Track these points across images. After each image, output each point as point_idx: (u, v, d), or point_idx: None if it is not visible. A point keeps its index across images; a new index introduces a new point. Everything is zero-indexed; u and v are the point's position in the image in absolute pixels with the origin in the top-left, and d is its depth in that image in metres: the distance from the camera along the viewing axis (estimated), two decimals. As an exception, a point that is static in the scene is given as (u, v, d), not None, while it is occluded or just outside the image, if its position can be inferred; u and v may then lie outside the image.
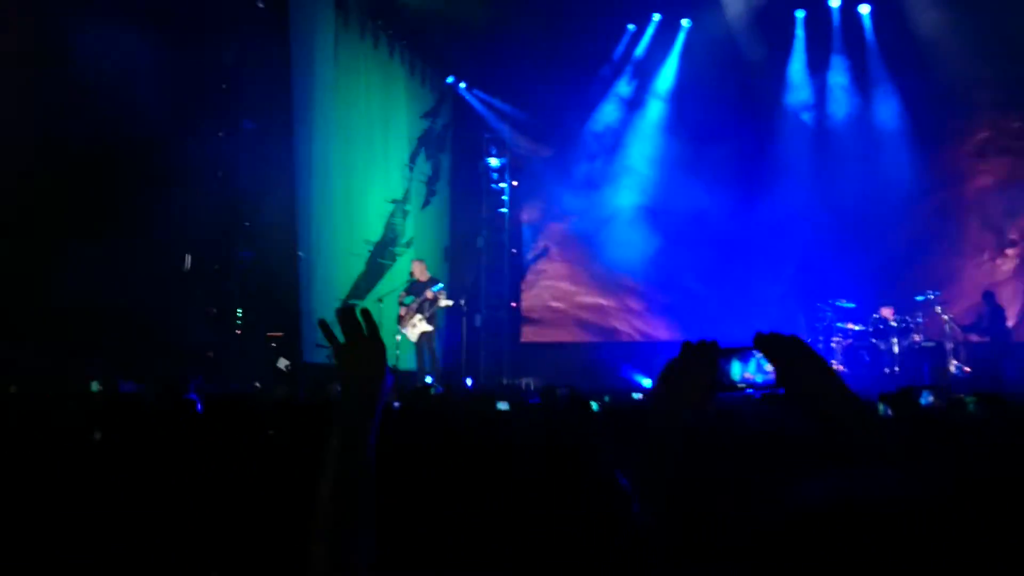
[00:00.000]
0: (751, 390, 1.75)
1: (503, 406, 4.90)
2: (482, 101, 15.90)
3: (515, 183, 16.24)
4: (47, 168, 8.89)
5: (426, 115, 15.29)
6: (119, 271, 9.35)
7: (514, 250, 16.13)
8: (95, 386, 5.02)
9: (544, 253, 15.99)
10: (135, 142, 9.38)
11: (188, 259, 10.54)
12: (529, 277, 16.19)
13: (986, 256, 13.58)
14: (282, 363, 5.74)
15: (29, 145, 8.75)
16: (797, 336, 1.68)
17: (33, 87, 9.02)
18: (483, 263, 16.01)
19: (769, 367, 1.71)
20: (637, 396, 7.61)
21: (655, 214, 14.89)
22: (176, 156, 10.02)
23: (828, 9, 14.11)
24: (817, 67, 14.37)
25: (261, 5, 11.30)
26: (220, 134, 10.86)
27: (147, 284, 9.80)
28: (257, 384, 9.54)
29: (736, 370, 1.78)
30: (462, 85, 15.84)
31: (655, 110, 15.28)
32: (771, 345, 1.69)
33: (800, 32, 14.36)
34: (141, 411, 4.64)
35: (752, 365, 1.75)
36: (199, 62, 10.58)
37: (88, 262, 9.01)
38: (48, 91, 9.10)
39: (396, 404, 5.67)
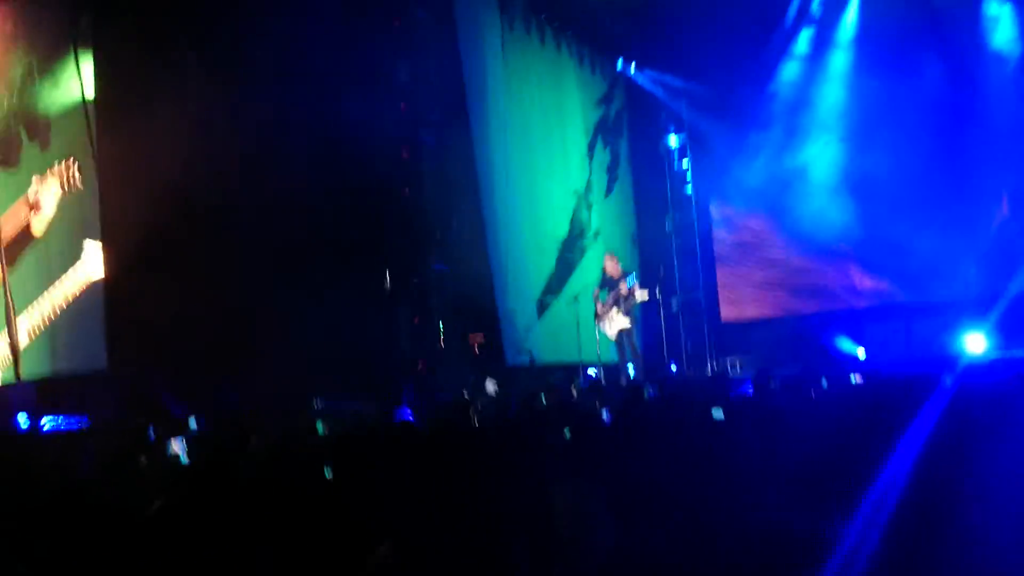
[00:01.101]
0: None
1: (718, 415, 4.64)
2: (655, 81, 15.54)
3: (696, 160, 15.78)
4: (237, 194, 9.31)
5: (600, 102, 15.12)
6: (324, 297, 9.77)
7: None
8: (320, 427, 5.20)
9: (733, 231, 15.45)
10: (325, 172, 9.75)
11: (387, 275, 10.88)
12: (723, 253, 15.67)
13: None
14: (490, 387, 5.78)
15: (235, 172, 9.20)
16: None
17: (238, 116, 9.41)
18: (674, 245, 15.64)
19: None
20: (855, 379, 7.13)
21: (846, 181, 14.08)
22: (364, 180, 10.36)
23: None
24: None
25: (427, 17, 11.46)
26: (404, 154, 11.13)
27: (352, 306, 10.19)
28: (464, 393, 9.68)
29: None
30: (632, 67, 15.54)
31: (839, 63, 14.43)
32: None
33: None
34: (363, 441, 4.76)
35: None
36: (375, 84, 10.86)
37: (295, 292, 9.47)
38: (245, 122, 9.49)
39: (606, 415, 5.56)
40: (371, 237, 10.59)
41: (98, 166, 8.62)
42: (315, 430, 5.13)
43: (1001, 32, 13.24)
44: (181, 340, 8.43)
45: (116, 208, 8.68)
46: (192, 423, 5.52)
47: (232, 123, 9.02)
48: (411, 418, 6.17)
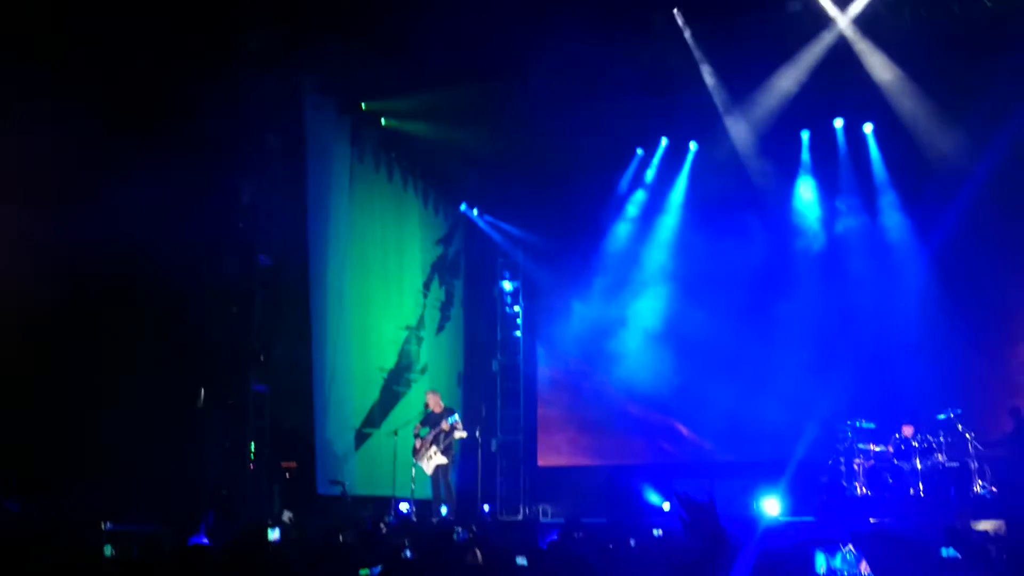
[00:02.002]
0: None
1: (521, 561, 4.77)
2: (494, 227, 16.17)
3: (528, 305, 16.33)
4: (66, 303, 9.00)
5: (439, 242, 15.54)
6: (133, 408, 9.39)
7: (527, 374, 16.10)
8: (108, 550, 4.95)
9: (558, 376, 15.92)
10: (152, 279, 9.55)
11: (202, 394, 10.57)
12: (545, 397, 16.08)
13: (1010, 367, 13.47)
14: (286, 515, 5.67)
15: (47, 278, 8.87)
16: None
17: (55, 223, 9.17)
18: (498, 387, 15.96)
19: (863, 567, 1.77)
20: (657, 533, 7.43)
21: (668, 335, 14.87)
22: (192, 292, 10.19)
23: (832, 129, 14.39)
24: (825, 186, 14.57)
25: (278, 144, 11.64)
26: (235, 272, 11.05)
27: (161, 420, 9.82)
28: (270, 522, 9.40)
29: (823, 561, 1.85)
30: (474, 211, 16.13)
31: (666, 232, 15.45)
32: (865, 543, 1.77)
33: (806, 154, 14.61)
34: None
35: (839, 559, 1.82)
36: (217, 201, 10.85)
37: (102, 396, 9.08)
38: (71, 227, 9.25)
39: (408, 554, 5.56)
40: (192, 352, 10.33)
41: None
42: (101, 553, 4.88)
43: (809, 212, 14.63)
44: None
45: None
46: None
47: (59, 225, 8.76)
48: (206, 543, 5.96)
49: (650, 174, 15.49)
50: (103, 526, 7.42)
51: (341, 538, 6.53)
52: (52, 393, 8.77)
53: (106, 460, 8.88)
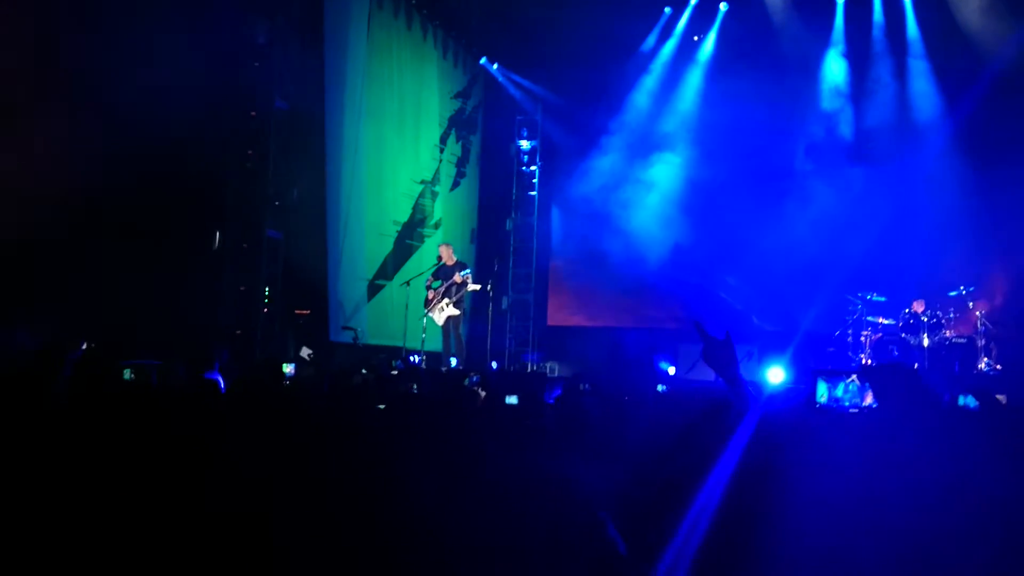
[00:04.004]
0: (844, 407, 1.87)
1: (511, 400, 4.90)
2: (514, 83, 15.82)
3: (544, 165, 16.16)
4: (83, 148, 8.91)
5: (457, 96, 15.24)
6: (149, 249, 9.43)
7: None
8: (127, 374, 5.05)
9: (572, 238, 15.89)
10: (165, 120, 9.40)
11: (217, 237, 10.61)
12: (558, 259, 16.12)
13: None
14: (305, 352, 5.74)
15: (70, 117, 8.76)
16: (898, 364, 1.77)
17: (81, 57, 8.96)
18: (511, 245, 15.98)
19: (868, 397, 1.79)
20: (661, 388, 7.55)
21: (684, 200, 14.74)
22: (208, 135, 10.06)
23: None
24: (855, 53, 14.11)
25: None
26: (252, 113, 10.89)
27: (177, 262, 9.88)
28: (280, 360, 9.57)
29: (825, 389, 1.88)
30: (495, 66, 15.75)
31: (689, 95, 15.10)
32: (873, 374, 1.77)
33: (839, 22, 14.09)
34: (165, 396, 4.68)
35: (840, 388, 1.85)
36: (232, 41, 10.58)
37: (120, 241, 9.11)
38: (85, 64, 9.06)
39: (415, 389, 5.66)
40: (207, 196, 10.31)
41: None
42: (120, 376, 4.98)
43: (837, 80, 14.24)
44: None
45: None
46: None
47: (72, 63, 8.57)
48: (219, 379, 6.07)
49: (677, 34, 15.02)
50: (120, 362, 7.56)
51: (354, 379, 6.65)
52: (72, 235, 8.76)
53: (123, 300, 8.97)
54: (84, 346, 5.72)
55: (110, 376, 4.99)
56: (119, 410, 3.53)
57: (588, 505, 2.78)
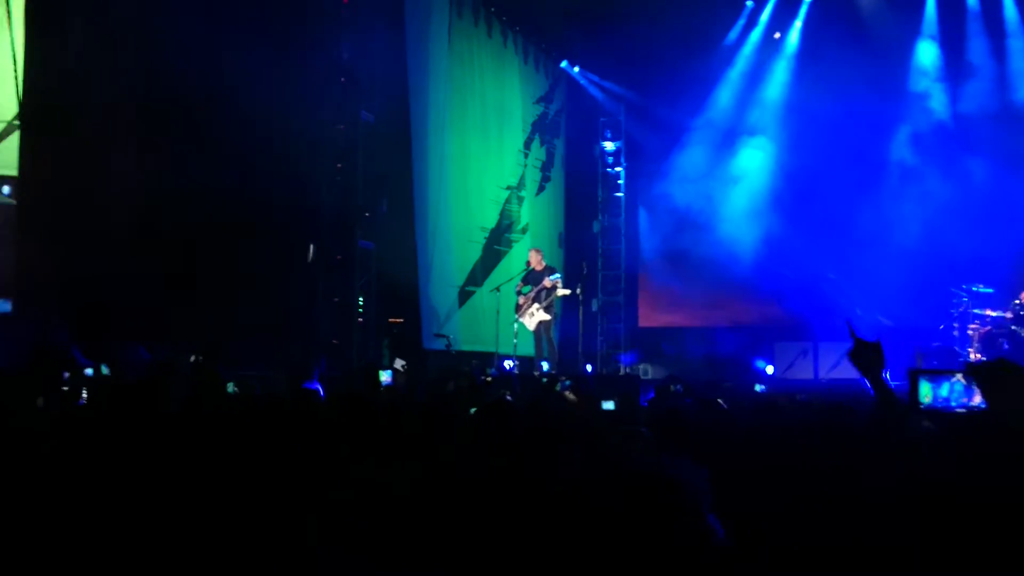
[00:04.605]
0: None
1: (608, 405, 4.85)
2: (596, 84, 15.76)
3: (630, 166, 16.04)
4: (176, 161, 9.19)
5: (540, 100, 15.26)
6: (248, 265, 9.70)
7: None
8: (231, 387, 5.20)
9: (660, 237, 15.71)
10: (258, 139, 9.67)
11: (311, 250, 10.83)
12: (647, 259, 15.97)
13: None
14: (398, 363, 5.83)
15: (162, 132, 9.05)
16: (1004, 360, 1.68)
17: (173, 75, 9.25)
18: (600, 247, 15.91)
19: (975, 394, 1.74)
20: (760, 388, 7.40)
21: (775, 195, 14.44)
22: (297, 150, 10.30)
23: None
24: (950, 38, 13.61)
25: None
26: (339, 127, 11.11)
27: (274, 275, 10.14)
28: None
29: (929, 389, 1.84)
30: (576, 69, 15.72)
31: (775, 89, 14.80)
32: (981, 372, 1.70)
33: (931, 5, 13.62)
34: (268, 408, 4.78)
35: (945, 388, 1.80)
36: (318, 57, 10.82)
37: (219, 257, 9.39)
38: (178, 83, 9.35)
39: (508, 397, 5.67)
40: (300, 209, 10.54)
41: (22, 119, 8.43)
42: (225, 389, 5.13)
43: (931, 67, 13.75)
44: (95, 294, 8.29)
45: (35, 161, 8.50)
46: (90, 371, 5.47)
47: (164, 80, 8.88)
48: (319, 388, 6.20)
49: (760, 26, 14.75)
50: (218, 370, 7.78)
51: (448, 387, 6.70)
52: (175, 253, 9.06)
53: (225, 314, 9.24)
54: (192, 359, 5.93)
55: (216, 389, 5.14)
56: (227, 420, 3.63)
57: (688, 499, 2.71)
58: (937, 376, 3.90)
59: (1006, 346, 11.49)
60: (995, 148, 12.99)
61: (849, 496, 2.69)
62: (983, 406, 1.68)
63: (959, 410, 3.89)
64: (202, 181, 9.29)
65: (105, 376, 5.36)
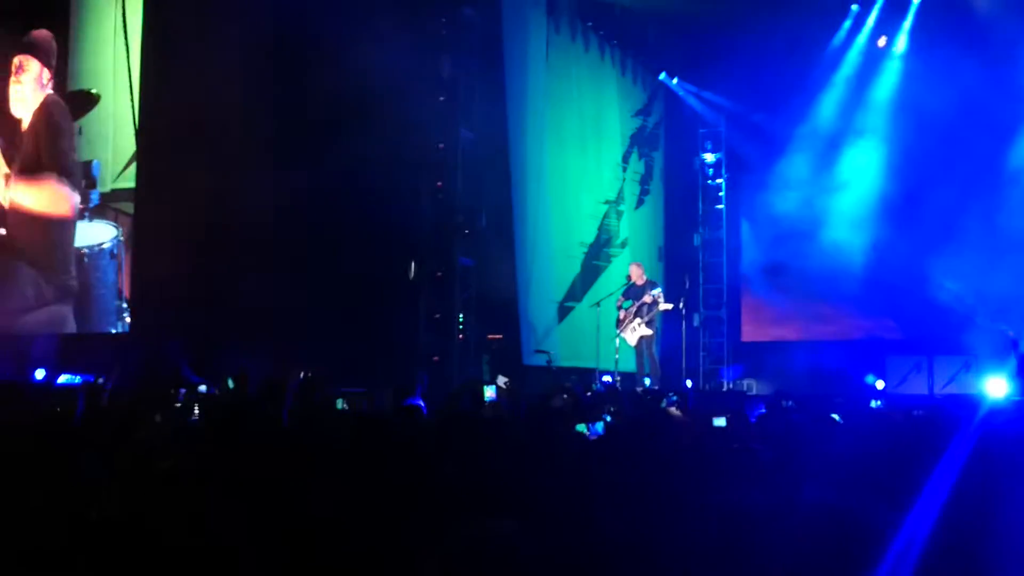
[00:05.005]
0: None
1: (719, 423, 4.71)
2: (695, 95, 15.55)
3: (730, 178, 15.75)
4: (280, 182, 9.42)
5: (638, 113, 15.15)
6: (352, 283, 9.87)
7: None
8: (340, 403, 5.27)
9: (764, 249, 15.35)
10: (362, 159, 9.83)
11: (413, 267, 10.95)
12: (750, 273, 15.63)
13: None
14: (501, 380, 5.83)
15: (262, 156, 9.29)
16: None
17: (274, 93, 9.50)
18: (701, 261, 15.65)
19: None
20: (876, 404, 7.11)
21: (884, 204, 13.94)
22: (398, 168, 10.45)
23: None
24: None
25: (474, 16, 11.56)
26: (440, 145, 11.22)
27: (376, 292, 10.29)
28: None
29: None
30: (674, 81, 15.55)
31: (883, 93, 14.31)
32: None
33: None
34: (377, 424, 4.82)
35: None
36: (418, 75, 10.96)
37: (325, 275, 9.58)
38: (275, 115, 9.59)
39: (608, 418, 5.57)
40: (401, 226, 10.69)
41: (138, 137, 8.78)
42: (335, 406, 5.20)
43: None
44: (204, 313, 8.56)
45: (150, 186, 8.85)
46: (203, 388, 5.61)
47: (267, 99, 9.13)
48: (421, 404, 6.22)
49: (866, 31, 14.30)
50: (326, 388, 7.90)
51: (554, 402, 6.64)
52: (263, 267, 9.27)
53: (331, 332, 9.41)
54: (302, 375, 6.04)
55: (326, 405, 5.22)
56: (337, 435, 3.67)
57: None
58: None
59: None
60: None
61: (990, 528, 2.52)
62: None
63: None
64: (309, 201, 9.53)
65: (212, 393, 5.50)
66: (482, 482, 3.47)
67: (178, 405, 5.37)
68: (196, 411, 4.45)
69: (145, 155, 9.32)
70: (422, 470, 3.53)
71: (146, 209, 9.31)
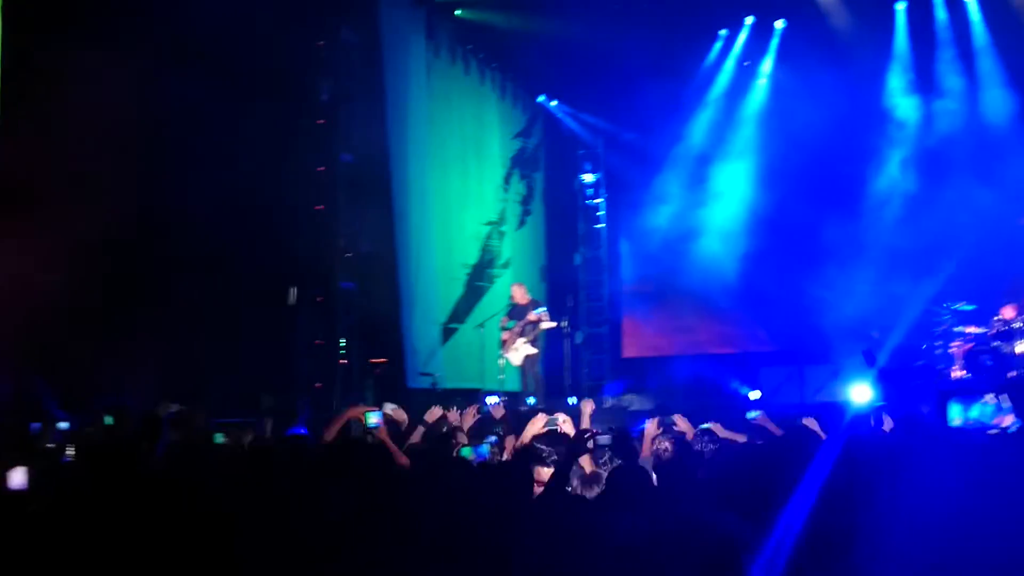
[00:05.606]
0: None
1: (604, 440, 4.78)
2: (573, 117, 15.86)
3: (610, 198, 16.12)
4: (150, 205, 9.11)
5: (518, 135, 15.35)
6: (229, 309, 9.62)
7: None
8: (219, 438, 5.12)
9: (642, 268, 15.75)
10: (237, 182, 9.63)
11: (293, 292, 10.76)
12: (629, 290, 16.00)
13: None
14: (388, 406, 5.76)
15: (132, 180, 8.96)
16: None
17: (134, 128, 9.20)
18: (581, 280, 15.92)
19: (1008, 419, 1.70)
20: (752, 415, 7.35)
21: (755, 222, 14.51)
22: (277, 192, 10.27)
23: (930, 1, 13.56)
24: (921, 62, 13.81)
25: (354, 39, 11.52)
26: (320, 169, 11.10)
27: (255, 319, 10.06)
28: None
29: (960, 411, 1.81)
30: (553, 103, 15.82)
31: (750, 116, 14.95)
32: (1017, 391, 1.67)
33: (902, 28, 13.82)
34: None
35: (976, 410, 1.76)
36: (297, 99, 10.84)
37: (199, 302, 9.30)
38: (147, 134, 9.30)
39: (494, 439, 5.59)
40: (280, 251, 10.49)
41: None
42: (212, 440, 5.05)
43: (904, 91, 13.93)
44: (69, 344, 8.17)
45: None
46: (66, 423, 5.37)
47: (139, 119, 8.83)
48: (305, 433, 6.11)
49: (734, 55, 14.92)
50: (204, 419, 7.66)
51: (442, 427, 6.61)
52: (149, 297, 8.97)
53: (205, 361, 9.15)
54: (174, 408, 5.84)
55: (204, 439, 5.06)
56: (217, 472, 3.56)
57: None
58: (967, 397, 3.90)
59: (989, 363, 11.53)
60: (970, 167, 13.15)
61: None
62: (1018, 426, 1.64)
63: (991, 431, 3.88)
64: (179, 224, 9.24)
65: (83, 430, 5.26)
66: (372, 511, 3.44)
67: (51, 446, 5.10)
68: (69, 451, 4.24)
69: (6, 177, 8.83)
70: (309, 500, 3.47)
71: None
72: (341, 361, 11.17)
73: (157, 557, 2.67)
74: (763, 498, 3.54)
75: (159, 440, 4.10)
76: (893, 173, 13.68)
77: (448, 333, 13.02)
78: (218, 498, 3.22)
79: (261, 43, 9.70)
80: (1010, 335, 11.37)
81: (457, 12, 13.52)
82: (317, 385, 10.74)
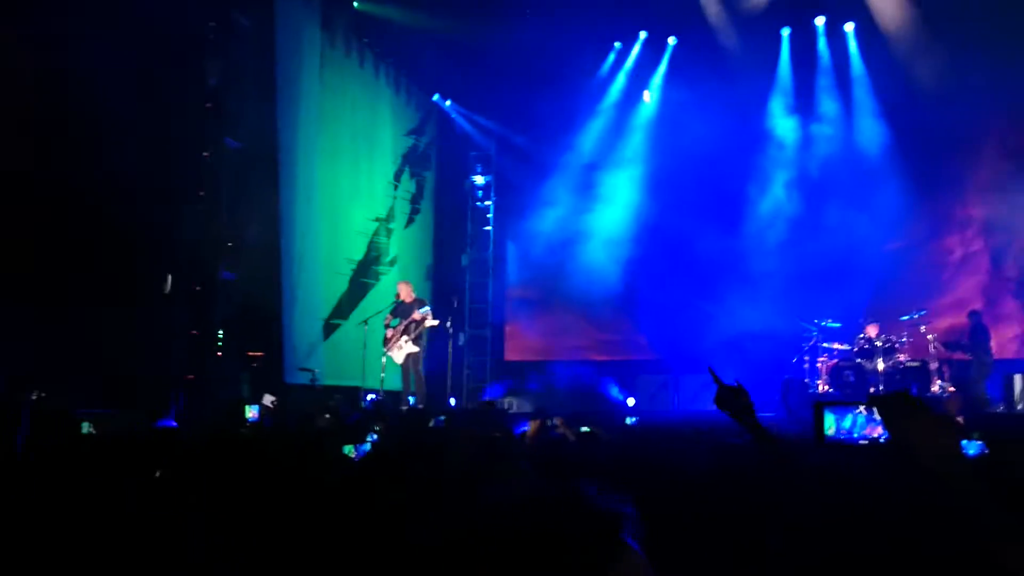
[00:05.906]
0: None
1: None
2: (467, 118, 15.87)
3: (499, 201, 16.19)
4: (31, 190, 8.71)
5: (411, 132, 15.24)
6: (99, 292, 9.22)
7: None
8: (86, 427, 4.89)
9: (527, 272, 15.89)
10: (116, 161, 9.23)
11: (169, 280, 10.39)
12: (514, 293, 16.12)
13: (974, 276, 13.70)
14: (268, 399, 5.61)
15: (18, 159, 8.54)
16: (906, 393, 1.72)
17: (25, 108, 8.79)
18: (467, 281, 15.94)
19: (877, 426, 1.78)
20: (631, 421, 7.52)
21: (638, 234, 14.87)
22: (158, 175, 9.90)
23: (814, 28, 14.18)
24: (802, 87, 14.41)
25: (246, 24, 11.21)
26: (204, 154, 10.74)
27: (128, 306, 9.66)
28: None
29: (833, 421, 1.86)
30: (447, 103, 15.79)
31: (639, 129, 15.29)
32: (883, 404, 1.73)
33: (785, 53, 14.39)
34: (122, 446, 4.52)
35: (848, 420, 1.83)
36: (183, 81, 10.47)
37: (70, 287, 8.88)
38: (34, 112, 8.90)
39: (374, 437, 5.55)
40: (157, 237, 10.11)
41: None
42: (79, 430, 4.82)
43: (785, 114, 14.50)
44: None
45: None
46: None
47: (24, 97, 8.38)
48: (174, 425, 5.92)
49: (626, 68, 15.22)
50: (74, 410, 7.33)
51: (318, 423, 6.52)
52: (13, 276, 8.53)
53: (74, 348, 8.74)
54: (35, 396, 5.55)
55: (68, 429, 4.82)
56: (80, 463, 3.40)
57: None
58: (840, 408, 4.07)
59: (851, 378, 12.13)
60: (845, 192, 13.80)
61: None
62: (885, 438, 1.73)
63: (862, 442, 4.06)
64: (51, 201, 8.81)
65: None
66: (244, 508, 3.34)
67: None
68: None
69: None
70: (176, 495, 3.35)
71: None
72: (217, 353, 10.83)
73: (9, 550, 2.53)
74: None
75: (17, 430, 3.88)
76: (778, 194, 14.22)
77: (330, 328, 12.81)
78: (80, 490, 3.07)
79: (150, 21, 9.34)
80: (872, 352, 12.00)
81: (355, 4, 13.34)
82: (190, 377, 10.38)
